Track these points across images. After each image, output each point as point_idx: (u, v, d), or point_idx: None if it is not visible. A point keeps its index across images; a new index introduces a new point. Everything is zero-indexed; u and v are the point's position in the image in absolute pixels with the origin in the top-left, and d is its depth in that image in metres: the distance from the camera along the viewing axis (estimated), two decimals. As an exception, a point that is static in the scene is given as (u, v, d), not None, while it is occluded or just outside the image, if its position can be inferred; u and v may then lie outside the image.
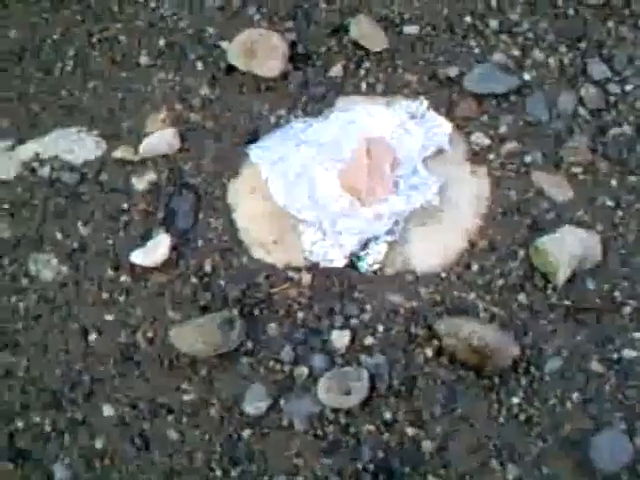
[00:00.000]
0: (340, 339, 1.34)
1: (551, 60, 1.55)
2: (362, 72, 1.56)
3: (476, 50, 1.57)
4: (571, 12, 1.59)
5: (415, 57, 1.57)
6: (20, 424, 1.34)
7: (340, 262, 1.39)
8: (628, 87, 1.52)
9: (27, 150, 1.55)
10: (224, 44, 1.60)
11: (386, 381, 1.31)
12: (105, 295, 1.41)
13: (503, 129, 1.49)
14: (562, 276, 1.34)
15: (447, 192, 1.43)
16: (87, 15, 1.67)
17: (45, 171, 1.52)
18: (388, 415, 1.30)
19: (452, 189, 1.44)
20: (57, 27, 1.67)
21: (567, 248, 1.34)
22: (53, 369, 1.37)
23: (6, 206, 1.50)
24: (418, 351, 1.33)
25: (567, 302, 1.35)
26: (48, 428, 1.33)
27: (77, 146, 1.54)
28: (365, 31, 1.57)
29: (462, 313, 1.35)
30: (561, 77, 1.53)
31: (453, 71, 1.54)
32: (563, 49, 1.56)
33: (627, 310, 1.35)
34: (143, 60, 1.62)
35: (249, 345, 1.35)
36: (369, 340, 1.35)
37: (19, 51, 1.65)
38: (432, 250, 1.40)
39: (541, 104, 1.51)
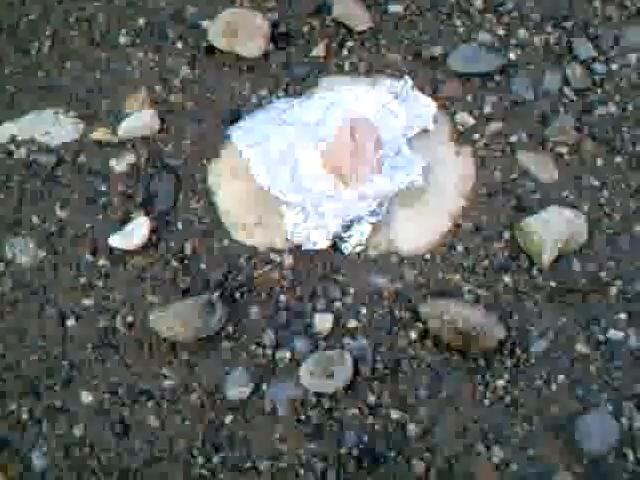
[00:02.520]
0: (323, 322, 1.32)
1: (536, 39, 1.54)
2: (345, 52, 1.54)
3: (461, 29, 1.55)
4: (557, -10, 1.58)
5: (399, 36, 1.55)
6: (-3, 411, 1.32)
7: (323, 244, 1.36)
8: (614, 66, 1.51)
9: (3, 132, 1.51)
10: (205, 23, 1.57)
11: (370, 364, 1.30)
12: (83, 279, 1.39)
13: (488, 109, 1.47)
14: (548, 257, 1.33)
15: (431, 173, 1.41)
16: (64, -6, 1.65)
17: (21, 153, 1.49)
18: (372, 399, 1.28)
19: (437, 169, 1.42)
20: (34, 6, 1.63)
21: (553, 229, 1.33)
22: (30, 355, 1.34)
23: (-19, 189, 1.47)
24: (402, 334, 1.32)
25: (553, 283, 1.34)
26: (25, 416, 1.31)
27: (54, 128, 1.51)
28: (348, 10, 1.55)
29: (447, 295, 1.34)
30: (546, 56, 1.52)
31: (437, 50, 1.52)
32: (548, 28, 1.54)
33: (613, 291, 1.33)
34: (122, 40, 1.59)
35: (230, 329, 1.33)
36: (352, 323, 1.33)
37: (-6, 31, 1.62)
38: (416, 231, 1.39)
39: (526, 84, 1.49)
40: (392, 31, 1.55)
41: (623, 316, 1.32)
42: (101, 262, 1.40)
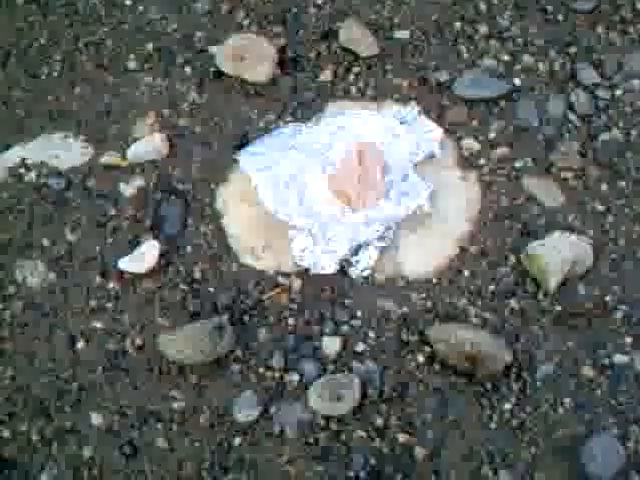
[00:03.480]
0: (331, 345, 1.33)
1: (541, 65, 1.55)
2: (352, 77, 1.56)
3: (466, 55, 1.57)
4: (560, 17, 1.60)
5: (405, 62, 1.57)
6: (6, 433, 1.32)
7: (331, 268, 1.38)
8: (618, 92, 1.52)
9: (13, 155, 1.53)
10: (213, 49, 1.59)
11: (377, 387, 1.30)
12: (93, 302, 1.40)
13: (493, 134, 1.49)
14: (553, 281, 1.34)
15: (438, 197, 1.42)
16: (74, 19, 1.66)
17: (31, 177, 1.51)
18: (380, 422, 1.29)
19: (443, 195, 1.43)
20: (43, 31, 1.65)
21: (558, 253, 1.34)
22: (40, 377, 1.35)
23: (-8, 212, 1.49)
24: (409, 357, 1.33)
25: (558, 307, 1.35)
26: (35, 437, 1.31)
27: (64, 151, 1.53)
28: (355, 36, 1.56)
29: (453, 319, 1.35)
30: (551, 82, 1.54)
31: (443, 76, 1.54)
32: (553, 54, 1.56)
33: (618, 315, 1.34)
34: (131, 64, 1.61)
35: (239, 352, 1.34)
36: (360, 346, 1.34)
37: (4, 55, 1.63)
38: (423, 256, 1.40)
39: (531, 109, 1.51)
40: (398, 57, 1.57)
41: (628, 340, 1.33)
42: (111, 285, 1.41)
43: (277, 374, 1.32)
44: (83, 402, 1.33)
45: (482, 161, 1.47)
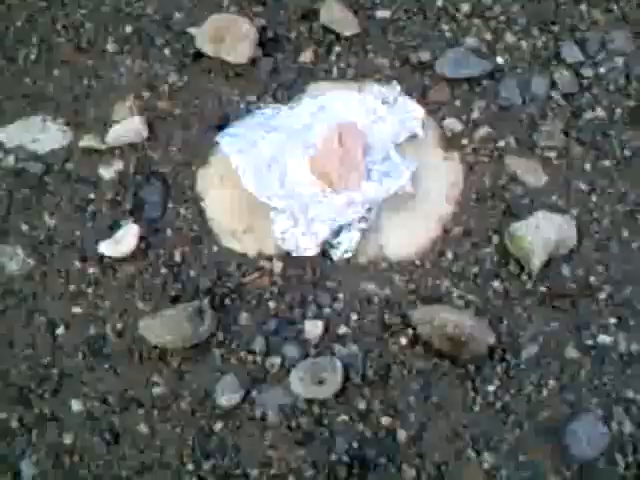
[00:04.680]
0: (313, 329, 1.32)
1: (524, 44, 1.54)
2: (333, 57, 1.54)
3: (448, 34, 1.55)
4: (543, -5, 1.58)
5: (387, 41, 1.55)
6: (-14, 421, 1.31)
7: (312, 250, 1.36)
8: (601, 70, 1.51)
9: (-10, 139, 1.51)
10: (192, 30, 1.57)
11: (360, 371, 1.30)
12: (73, 287, 1.38)
13: (476, 114, 1.48)
14: (537, 262, 1.33)
15: (420, 178, 1.41)
16: (51, 1, 1.64)
17: (9, 161, 1.49)
18: (362, 405, 1.28)
19: (425, 175, 1.42)
20: (20, 13, 1.63)
21: (542, 233, 1.33)
22: (19, 364, 1.34)
23: (-31, 197, 1.47)
24: (392, 340, 1.32)
25: (542, 288, 1.34)
26: (15, 424, 1.30)
27: (42, 135, 1.51)
28: (336, 15, 1.55)
29: (437, 301, 1.34)
30: (534, 61, 1.52)
31: (425, 55, 1.52)
32: (536, 32, 1.55)
33: (602, 295, 1.34)
34: (109, 47, 1.58)
35: (220, 336, 1.33)
36: (343, 329, 1.33)
37: (-20, 39, 1.61)
38: (405, 237, 1.39)
39: (514, 88, 1.49)
40: (379, 36, 1.55)
41: (612, 321, 1.32)
42: (90, 270, 1.39)
43: (259, 358, 1.31)
44: (63, 388, 1.32)
45: (465, 141, 1.45)
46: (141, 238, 1.39)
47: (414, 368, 1.30)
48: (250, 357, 1.31)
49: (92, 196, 1.45)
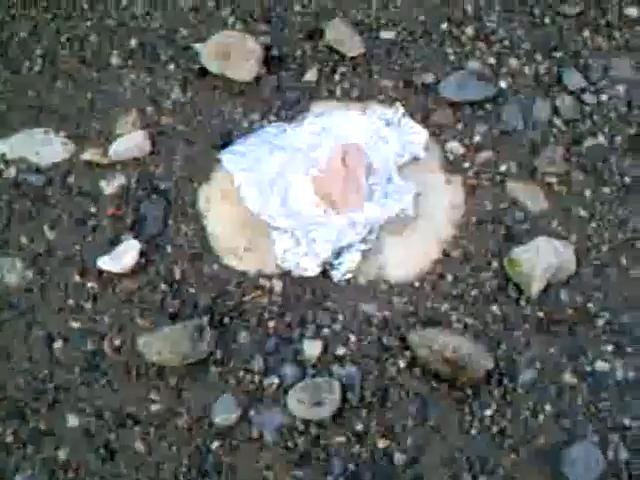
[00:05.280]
0: (312, 349, 1.32)
1: (527, 69, 1.55)
2: (337, 77, 1.54)
3: (452, 57, 1.56)
4: (547, 21, 1.59)
5: (391, 63, 1.55)
6: (-19, 434, 1.31)
7: (313, 270, 1.36)
8: (603, 97, 1.52)
9: (-8, 151, 1.51)
10: (197, 46, 1.57)
11: (358, 392, 1.30)
12: (71, 301, 1.38)
13: (478, 137, 1.48)
14: (536, 287, 1.33)
15: (422, 201, 1.41)
16: (56, 13, 1.64)
17: (11, 172, 1.49)
18: (359, 427, 1.28)
19: (427, 198, 1.42)
20: (25, 24, 1.63)
21: (541, 259, 1.33)
22: (16, 377, 1.33)
23: (-30, 208, 1.46)
24: (391, 362, 1.32)
25: (540, 313, 1.35)
26: (10, 438, 1.29)
27: (44, 148, 1.51)
28: (341, 35, 1.55)
29: (435, 324, 1.34)
30: (536, 86, 1.53)
31: (429, 78, 1.53)
32: (539, 58, 1.55)
33: (600, 322, 1.34)
34: (114, 60, 1.58)
35: (219, 354, 1.33)
36: (341, 350, 1.33)
37: (-16, 49, 1.61)
38: (406, 259, 1.39)
39: (516, 113, 1.50)
40: (384, 58, 1.56)
41: (610, 348, 1.32)
42: (90, 284, 1.39)
43: (257, 377, 1.31)
44: (59, 403, 1.32)
45: (467, 164, 1.46)
46: (141, 254, 1.39)
47: (412, 391, 1.30)
48: (248, 376, 1.31)
49: (93, 210, 1.45)
